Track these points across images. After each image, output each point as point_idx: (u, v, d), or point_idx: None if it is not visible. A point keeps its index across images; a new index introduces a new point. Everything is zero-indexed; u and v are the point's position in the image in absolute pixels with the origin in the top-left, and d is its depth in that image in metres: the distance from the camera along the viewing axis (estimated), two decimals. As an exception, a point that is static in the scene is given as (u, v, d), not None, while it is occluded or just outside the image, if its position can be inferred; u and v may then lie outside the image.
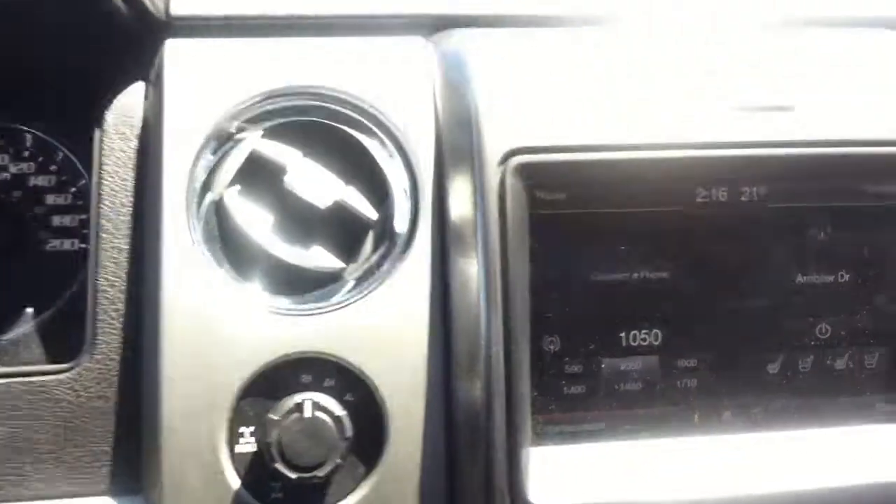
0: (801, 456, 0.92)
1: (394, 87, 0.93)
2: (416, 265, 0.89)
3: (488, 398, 0.84)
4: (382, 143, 0.92)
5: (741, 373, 0.93)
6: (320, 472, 0.82)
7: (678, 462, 0.90)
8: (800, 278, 0.94)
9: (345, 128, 0.92)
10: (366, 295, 0.88)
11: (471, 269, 0.86)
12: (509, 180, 0.86)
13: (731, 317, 0.93)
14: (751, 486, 0.89)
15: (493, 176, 0.85)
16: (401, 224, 0.90)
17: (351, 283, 0.89)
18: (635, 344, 0.91)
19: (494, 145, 0.86)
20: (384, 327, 0.87)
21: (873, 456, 0.92)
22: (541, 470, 0.87)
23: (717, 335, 0.92)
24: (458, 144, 0.88)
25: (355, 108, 0.92)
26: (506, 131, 0.86)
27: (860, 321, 0.95)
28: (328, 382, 0.86)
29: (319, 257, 0.89)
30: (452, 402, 0.87)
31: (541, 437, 0.89)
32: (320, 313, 0.87)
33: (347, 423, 0.84)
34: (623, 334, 0.91)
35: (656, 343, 0.92)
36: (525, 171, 0.86)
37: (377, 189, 0.92)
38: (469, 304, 0.86)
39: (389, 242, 0.90)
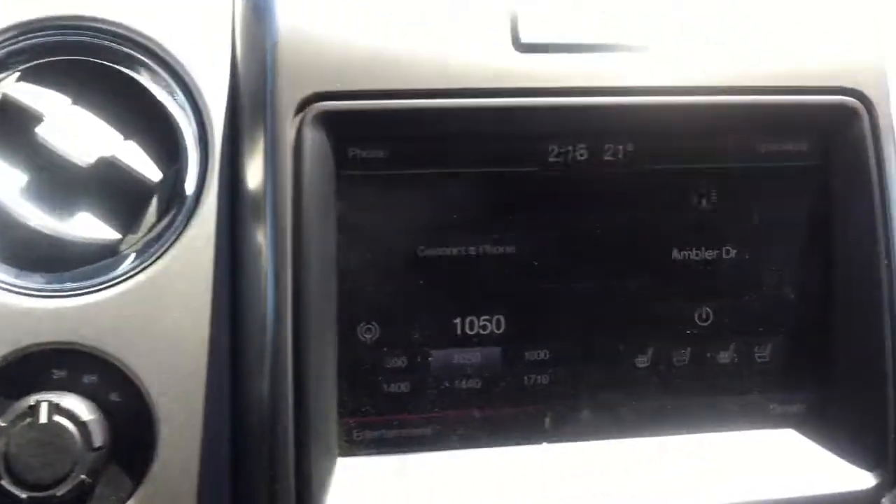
0: (674, 468, 0.76)
1: (184, 20, 0.76)
2: (201, 238, 0.73)
3: (274, 400, 0.68)
4: (170, 88, 0.76)
5: (603, 367, 0.77)
6: (59, 491, 0.66)
7: (523, 475, 0.74)
8: (676, 254, 0.78)
9: (124, 69, 0.76)
10: (139, 274, 0.72)
11: (261, 243, 0.70)
12: (308, 132, 0.69)
13: (592, 300, 0.77)
14: (609, 499, 0.74)
15: (287, 127, 0.69)
16: (190, 186, 0.74)
17: (130, 259, 0.73)
18: (473, 332, 0.75)
19: (290, 90, 0.69)
20: (157, 314, 0.71)
21: (763, 468, 0.77)
22: (349, 485, 0.72)
23: (574, 322, 0.77)
24: (253, 91, 0.72)
25: (137, 45, 0.75)
26: (305, 73, 0.70)
27: (748, 306, 0.80)
28: (88, 379, 0.70)
29: (86, 227, 0.73)
30: (238, 404, 0.72)
31: (353, 446, 0.74)
32: (81, 294, 0.71)
33: (97, 429, 0.68)
34: (458, 321, 0.75)
35: (499, 331, 0.76)
36: (329, 122, 0.70)
37: (165, 145, 0.76)
38: (258, 286, 0.70)
39: (178, 209, 0.74)
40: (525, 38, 0.73)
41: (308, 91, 0.69)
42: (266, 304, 0.69)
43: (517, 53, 0.73)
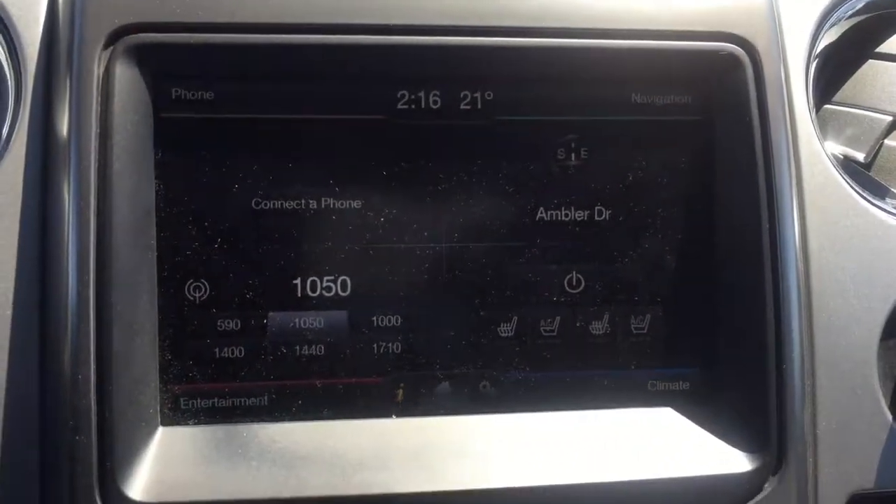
0: (540, 446, 0.69)
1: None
2: (7, 187, 0.66)
3: (76, 363, 0.62)
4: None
5: (462, 336, 0.71)
6: None
7: (367, 451, 0.67)
8: (542, 214, 0.72)
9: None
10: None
11: (65, 190, 0.64)
12: (119, 68, 0.64)
13: (447, 262, 0.71)
14: (461, 483, 0.66)
15: (94, 62, 0.64)
16: (4, 129, 0.69)
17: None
18: (315, 294, 0.69)
19: (98, 19, 0.64)
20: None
21: (639, 447, 0.70)
22: (166, 456, 0.65)
23: (429, 285, 0.70)
24: (65, 24, 0.67)
25: None
26: (116, 4, 0.64)
27: (624, 273, 0.73)
28: None
29: None
30: (46, 365, 0.65)
31: (178, 414, 0.67)
32: None
33: None
34: (297, 282, 0.69)
35: (344, 294, 0.69)
36: (145, 57, 0.65)
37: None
38: (61, 238, 0.64)
39: (-13, 156, 0.68)
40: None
41: (119, 21, 0.64)
42: (68, 258, 0.63)
43: None
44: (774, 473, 0.69)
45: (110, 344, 0.62)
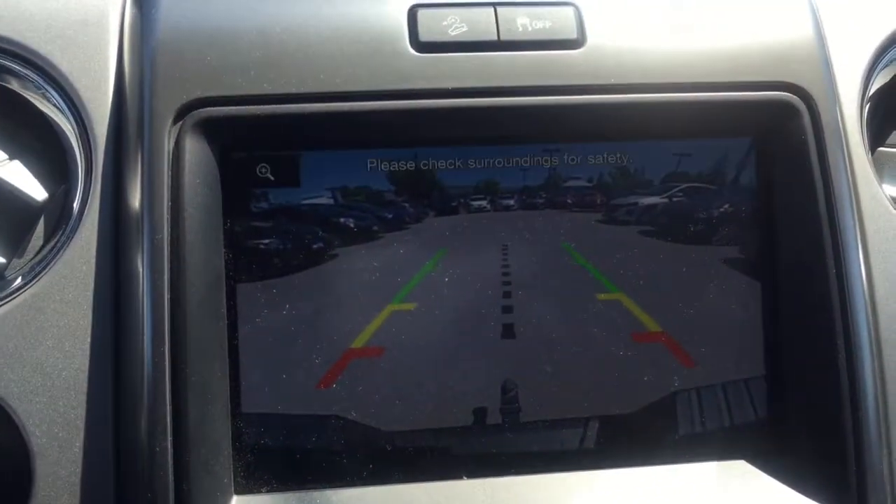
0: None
1: (67, 33, 0.72)
2: (81, 260, 0.68)
3: (152, 438, 0.62)
4: (55, 103, 0.72)
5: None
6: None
7: None
8: None
9: (6, 84, 0.72)
10: (14, 298, 0.67)
11: (139, 264, 0.65)
12: (188, 142, 0.65)
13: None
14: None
15: (165, 135, 0.65)
16: (75, 206, 0.70)
17: (16, 284, 0.68)
18: (382, 357, 0.70)
19: (168, 94, 0.65)
20: (33, 341, 0.66)
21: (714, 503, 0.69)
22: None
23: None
24: (134, 101, 0.68)
25: (20, 59, 0.72)
26: (186, 76, 0.66)
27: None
28: None
29: (-32, 254, 0.69)
30: (120, 439, 0.66)
31: (251, 482, 0.67)
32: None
33: None
34: (363, 345, 0.70)
35: (411, 355, 0.70)
36: (213, 130, 0.66)
37: (52, 164, 0.72)
38: (136, 311, 0.65)
39: (64, 230, 0.70)
40: (425, 37, 0.68)
41: (188, 96, 0.65)
42: (143, 331, 0.64)
43: (415, 53, 0.68)
44: (856, 526, 0.68)
45: (186, 415, 0.63)
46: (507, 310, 0.70)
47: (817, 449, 0.70)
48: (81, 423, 0.65)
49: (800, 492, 0.69)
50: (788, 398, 0.72)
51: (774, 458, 0.71)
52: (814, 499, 0.68)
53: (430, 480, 0.69)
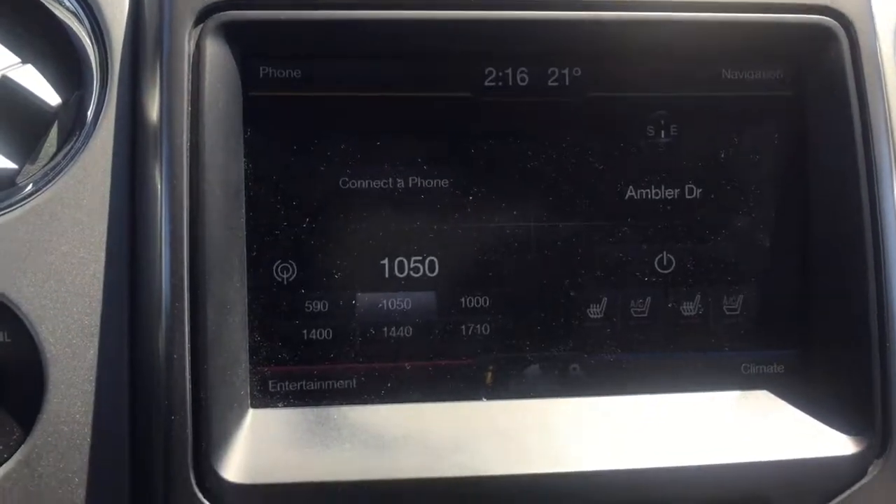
0: (634, 428, 0.67)
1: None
2: (97, 167, 0.66)
3: (170, 346, 0.61)
4: (69, 5, 0.69)
5: (551, 317, 0.69)
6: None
7: (458, 433, 0.66)
8: (632, 193, 0.70)
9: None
10: (28, 202, 0.66)
11: (157, 172, 0.64)
12: (209, 46, 0.63)
13: (536, 241, 0.69)
14: (555, 465, 0.65)
15: (185, 39, 0.63)
16: (90, 112, 0.68)
17: (27, 190, 0.67)
18: (403, 275, 0.68)
19: (188, -3, 0.63)
20: (47, 246, 0.65)
21: (736, 430, 0.68)
22: (259, 438, 0.64)
23: (517, 265, 0.69)
24: (152, 3, 0.66)
25: None
26: (206, -23, 0.64)
27: (715, 252, 0.71)
28: None
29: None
30: (136, 347, 0.65)
31: (268, 397, 0.66)
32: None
33: None
34: (385, 262, 0.68)
35: (432, 274, 0.68)
36: (235, 34, 0.64)
37: (67, 70, 0.70)
38: (154, 219, 0.63)
39: (79, 138, 0.68)
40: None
41: None
42: (161, 240, 0.62)
43: None
44: (879, 456, 0.67)
45: (205, 324, 0.62)
46: (537, 230, 0.69)
47: (843, 382, 0.68)
48: (96, 331, 0.64)
49: (823, 422, 0.68)
50: (815, 330, 0.70)
51: (799, 390, 0.70)
52: (837, 430, 0.67)
53: (449, 401, 0.68)
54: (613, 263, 0.70)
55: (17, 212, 0.65)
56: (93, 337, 0.64)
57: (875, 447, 0.67)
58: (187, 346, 0.61)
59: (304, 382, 0.67)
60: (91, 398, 0.64)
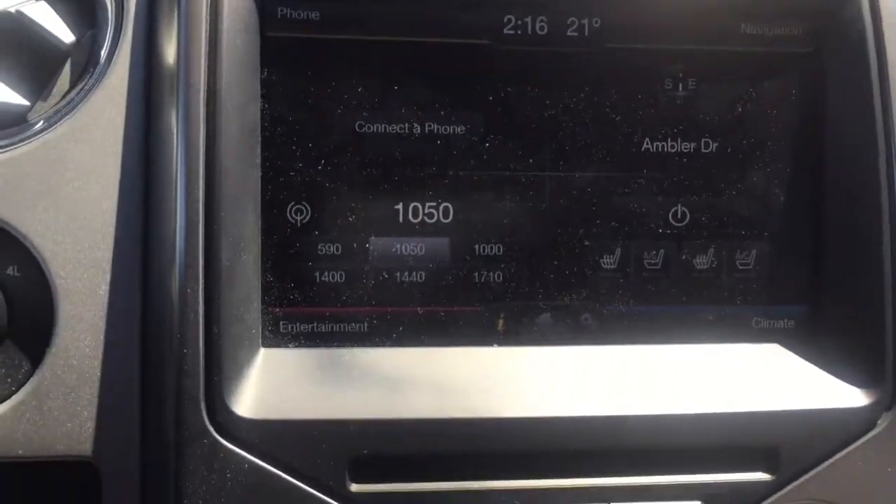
0: (644, 376, 0.68)
1: None
2: (111, 105, 0.66)
3: (183, 283, 0.61)
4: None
5: (565, 266, 0.69)
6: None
7: (469, 376, 0.66)
8: (648, 145, 0.70)
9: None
10: (41, 136, 0.65)
11: (172, 110, 0.63)
12: None
13: (552, 191, 0.69)
14: (569, 410, 0.65)
15: None
16: (105, 51, 0.68)
17: (38, 127, 0.67)
18: (417, 220, 0.68)
19: (206, -68, 0.63)
20: (60, 181, 0.64)
21: (746, 380, 0.68)
22: (270, 376, 0.64)
23: (532, 214, 0.69)
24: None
25: None
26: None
27: (730, 206, 0.71)
28: None
29: (-14, 90, 0.67)
30: (149, 284, 0.65)
31: (279, 337, 0.66)
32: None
33: None
34: (399, 207, 0.68)
35: (445, 220, 0.68)
36: (253, -27, 0.64)
37: (80, 7, 0.70)
38: (170, 158, 0.63)
39: (91, 76, 0.68)
40: None
41: None
42: (177, 177, 0.62)
43: None
44: (888, 409, 0.67)
45: (219, 260, 0.61)
46: (552, 179, 0.69)
47: (854, 336, 0.69)
48: (108, 267, 0.64)
49: (834, 375, 0.68)
50: (827, 286, 0.70)
51: (809, 344, 0.70)
52: (847, 382, 0.68)
53: (460, 346, 0.68)
54: (628, 215, 0.70)
55: (28, 146, 0.65)
56: (104, 272, 0.64)
57: (885, 400, 0.67)
58: (201, 281, 0.61)
59: (315, 324, 0.67)
60: (101, 333, 0.64)
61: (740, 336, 0.71)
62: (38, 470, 0.66)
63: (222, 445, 0.61)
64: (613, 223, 0.70)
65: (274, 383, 0.64)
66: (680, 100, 0.70)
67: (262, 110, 0.65)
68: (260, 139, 0.65)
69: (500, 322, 0.69)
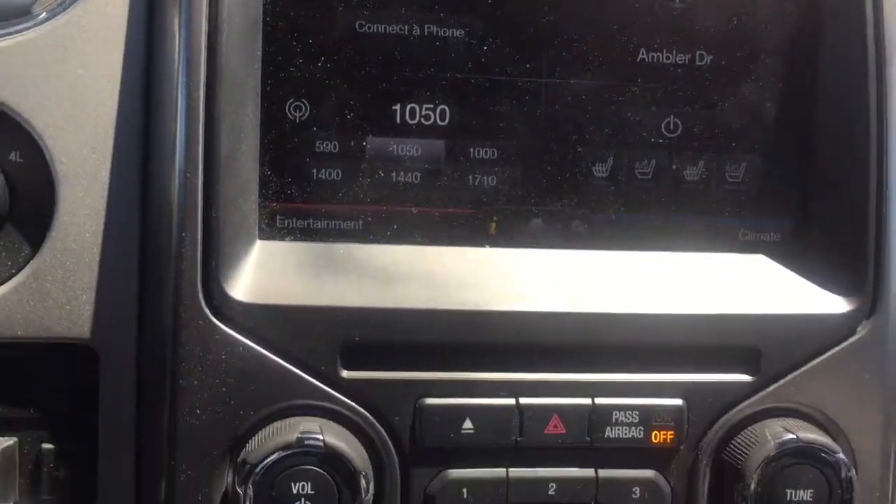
0: (631, 279, 0.69)
1: None
2: None
3: (183, 172, 0.62)
4: None
5: (558, 173, 0.71)
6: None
7: (459, 274, 0.67)
8: (643, 55, 0.71)
9: None
10: (45, 24, 0.66)
11: (174, 3, 0.64)
12: None
13: (548, 96, 0.70)
14: (558, 306, 0.66)
15: None
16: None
17: (43, 17, 0.67)
18: (414, 121, 0.69)
19: None
20: (64, 68, 0.65)
21: (731, 285, 0.70)
22: (265, 266, 0.65)
23: (527, 120, 0.70)
24: None
25: None
26: None
27: (722, 118, 0.72)
28: None
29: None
30: (150, 173, 0.66)
31: (275, 231, 0.68)
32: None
33: None
34: (397, 107, 0.69)
35: (442, 123, 0.69)
36: None
37: None
38: (171, 48, 0.64)
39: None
40: None
41: None
42: (178, 66, 0.63)
43: None
44: (868, 317, 0.69)
45: (218, 146, 0.62)
46: (549, 85, 0.70)
47: (838, 248, 0.70)
48: (109, 153, 0.65)
49: (816, 284, 0.70)
50: (814, 200, 0.72)
51: (794, 256, 0.72)
52: (829, 290, 0.69)
53: (454, 245, 0.69)
54: (621, 123, 0.71)
55: (31, 34, 0.65)
56: (105, 158, 0.65)
57: (865, 308, 0.69)
58: (200, 165, 0.62)
59: (311, 220, 0.68)
60: (101, 217, 0.65)
61: (726, 247, 0.72)
62: (36, 356, 0.68)
63: (218, 328, 0.62)
64: (607, 131, 0.71)
65: (269, 272, 0.65)
66: (677, 11, 0.71)
67: (264, 4, 0.66)
68: (261, 33, 0.66)
69: (493, 225, 0.70)
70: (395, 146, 0.69)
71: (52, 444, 0.67)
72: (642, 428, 0.66)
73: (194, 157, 0.62)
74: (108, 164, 0.65)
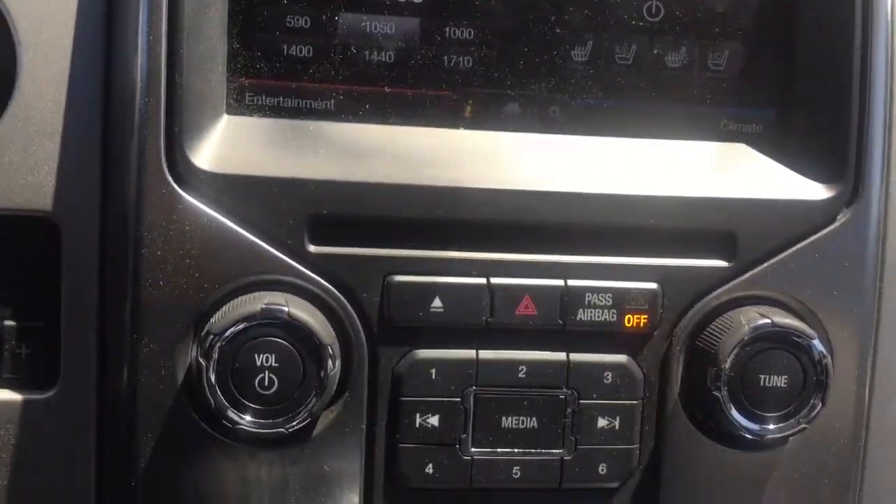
0: (609, 163, 0.68)
1: None
2: None
3: (147, 28, 0.60)
4: None
5: (536, 55, 0.69)
6: None
7: (432, 154, 0.66)
8: None
9: None
10: None
11: None
12: None
13: (527, -25, 0.68)
14: (529, 184, 0.65)
15: None
16: None
17: None
18: (388, -2, 0.67)
19: None
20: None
21: (711, 171, 0.68)
22: (231, 140, 0.64)
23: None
24: None
25: None
26: None
27: (705, 3, 0.70)
28: None
29: None
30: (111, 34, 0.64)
31: (244, 107, 0.66)
32: None
33: None
34: (371, -17, 0.67)
35: (418, 0, 0.68)
36: None
37: None
38: None
39: None
40: None
41: None
42: None
43: None
44: (849, 205, 0.67)
45: (182, 10, 0.61)
46: None
47: (819, 137, 0.69)
48: (72, 16, 0.63)
49: (797, 172, 0.68)
50: (797, 89, 0.70)
51: (776, 145, 0.70)
52: (810, 178, 0.68)
53: (427, 126, 0.68)
54: (602, 5, 0.69)
55: None
56: (68, 23, 0.63)
57: (845, 195, 0.67)
58: (164, 29, 0.60)
59: (281, 98, 0.67)
60: (64, 85, 0.63)
61: (708, 136, 0.71)
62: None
63: (181, 197, 0.61)
64: (587, 13, 0.69)
65: (236, 144, 0.63)
66: None
67: None
68: None
69: (468, 107, 0.69)
70: (368, 23, 0.67)
71: (14, 321, 0.66)
72: (615, 311, 0.65)
73: (157, 22, 0.60)
74: (71, 30, 0.63)
